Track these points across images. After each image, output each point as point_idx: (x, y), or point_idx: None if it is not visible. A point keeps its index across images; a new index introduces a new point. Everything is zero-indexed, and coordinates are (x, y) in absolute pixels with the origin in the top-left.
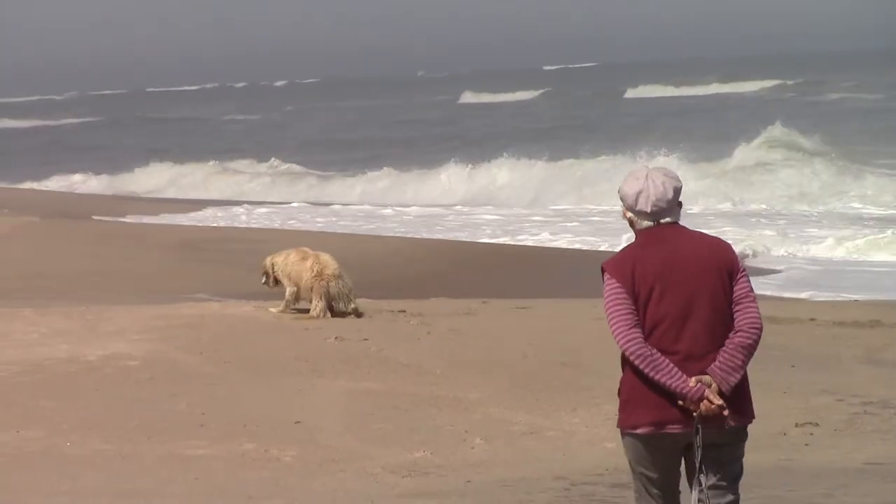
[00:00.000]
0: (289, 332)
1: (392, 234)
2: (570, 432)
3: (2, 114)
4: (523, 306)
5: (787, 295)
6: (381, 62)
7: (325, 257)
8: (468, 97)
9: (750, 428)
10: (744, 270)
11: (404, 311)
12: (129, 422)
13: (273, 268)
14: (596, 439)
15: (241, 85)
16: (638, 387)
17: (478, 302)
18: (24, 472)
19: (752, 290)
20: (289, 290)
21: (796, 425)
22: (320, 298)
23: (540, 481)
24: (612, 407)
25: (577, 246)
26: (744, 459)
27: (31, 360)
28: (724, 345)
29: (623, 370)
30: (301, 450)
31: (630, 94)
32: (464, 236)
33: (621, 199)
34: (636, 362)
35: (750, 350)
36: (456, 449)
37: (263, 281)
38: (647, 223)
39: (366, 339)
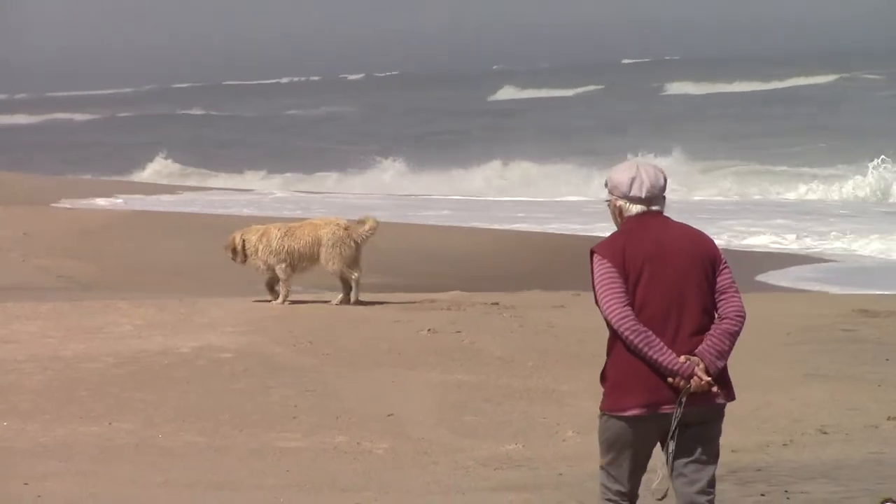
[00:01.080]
0: (381, 324)
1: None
2: None
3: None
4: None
5: (880, 292)
6: (457, 57)
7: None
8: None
9: (842, 419)
10: (725, 262)
11: (497, 304)
12: (221, 414)
13: (244, 245)
14: None
15: (316, 78)
16: (629, 369)
17: (570, 294)
18: (116, 464)
19: (734, 280)
20: (280, 268)
21: (889, 418)
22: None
23: None
24: None
25: None
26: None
27: (124, 353)
28: (707, 331)
29: (609, 354)
30: (393, 442)
31: None
32: (555, 228)
33: (612, 188)
34: (630, 337)
35: (735, 336)
36: (548, 441)
37: (232, 257)
38: (638, 209)
39: (458, 332)
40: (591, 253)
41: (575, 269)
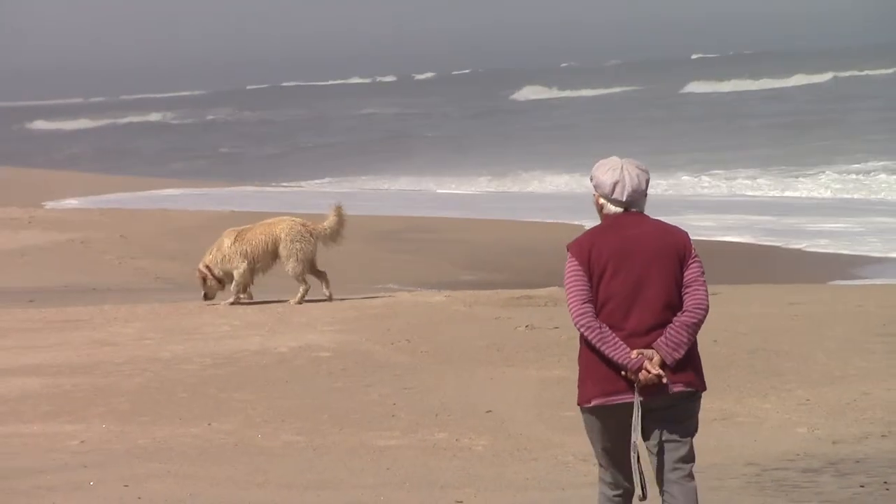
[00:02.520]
0: (479, 321)
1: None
2: (761, 418)
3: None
4: (714, 292)
5: None
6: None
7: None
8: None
9: None
10: (696, 256)
11: None
12: (320, 413)
13: (210, 270)
14: (787, 425)
15: (389, 79)
16: (590, 363)
17: None
18: (215, 464)
19: (702, 274)
20: (238, 270)
21: None
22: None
23: (731, 467)
24: (804, 392)
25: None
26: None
27: (222, 353)
28: (669, 324)
29: (580, 348)
30: (492, 439)
31: None
32: None
33: (595, 186)
34: (585, 333)
35: (694, 328)
36: None
37: (204, 294)
38: (616, 209)
39: (556, 328)
40: (567, 249)
41: None
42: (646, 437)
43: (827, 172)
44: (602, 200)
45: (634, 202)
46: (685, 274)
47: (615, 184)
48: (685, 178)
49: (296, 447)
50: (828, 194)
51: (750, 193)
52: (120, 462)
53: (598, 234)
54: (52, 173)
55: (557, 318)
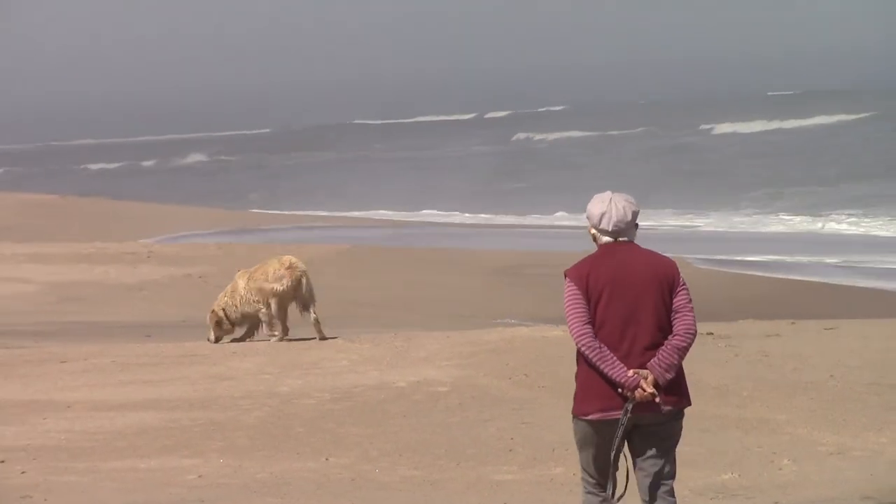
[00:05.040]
0: None
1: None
2: (877, 452)
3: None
4: (831, 327)
5: None
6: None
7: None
8: None
9: None
10: (683, 285)
11: (712, 334)
12: (437, 448)
13: (225, 312)
14: None
15: (504, 114)
16: (589, 380)
17: (786, 323)
18: (333, 498)
19: (689, 301)
20: (264, 311)
21: None
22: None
23: (848, 501)
24: None
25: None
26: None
27: (340, 388)
28: (660, 346)
29: (577, 365)
30: None
31: None
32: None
33: (588, 217)
34: (585, 352)
35: (683, 351)
36: (763, 470)
37: (215, 337)
38: (607, 239)
39: None
40: (565, 275)
41: (791, 297)
42: (634, 453)
43: None
44: (593, 231)
45: (621, 232)
46: (674, 301)
47: (602, 215)
48: None
49: (413, 482)
50: None
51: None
52: (237, 497)
53: (594, 261)
54: (169, 208)
55: None
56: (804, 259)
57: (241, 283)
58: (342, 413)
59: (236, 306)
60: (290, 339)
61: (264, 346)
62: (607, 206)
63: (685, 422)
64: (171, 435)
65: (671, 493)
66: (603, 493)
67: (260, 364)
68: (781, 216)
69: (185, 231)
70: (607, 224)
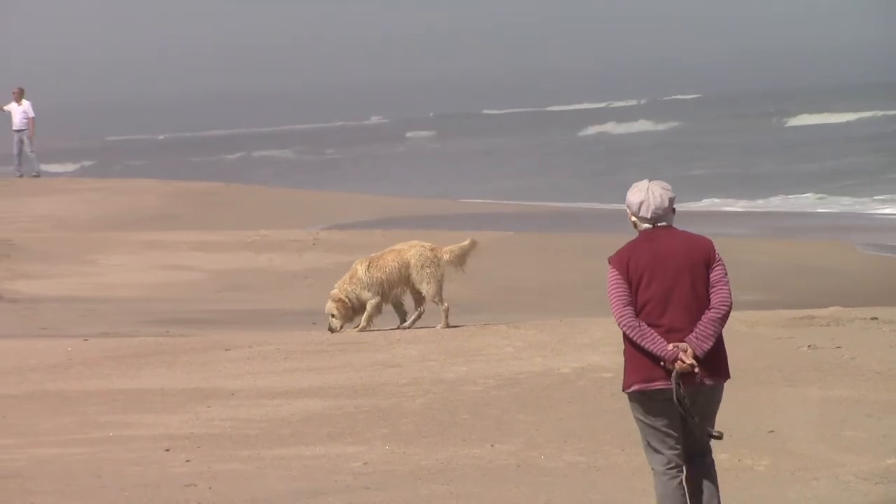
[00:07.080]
0: (761, 341)
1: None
2: None
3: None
4: None
5: None
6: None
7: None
8: None
9: None
10: (719, 260)
11: (876, 319)
12: (603, 434)
13: (347, 297)
14: None
15: (636, 102)
16: (632, 355)
17: None
18: (497, 485)
19: (725, 275)
20: (372, 302)
21: None
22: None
23: None
24: None
25: None
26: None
27: (505, 374)
28: (699, 321)
29: (624, 344)
30: (774, 458)
31: None
32: None
33: (627, 206)
34: (626, 332)
35: (720, 322)
36: None
37: (340, 326)
38: (646, 226)
39: (838, 347)
40: (609, 262)
41: None
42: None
43: None
44: (634, 218)
45: (660, 218)
46: (711, 276)
47: (641, 203)
48: None
49: (578, 468)
50: None
51: None
52: (403, 484)
53: (635, 247)
54: (335, 195)
55: (840, 339)
56: None
57: (360, 269)
58: (507, 399)
59: (355, 292)
60: (454, 326)
61: (428, 332)
62: (645, 195)
63: (851, 407)
64: (336, 422)
65: (711, 456)
66: (669, 465)
67: (424, 351)
68: None
69: (350, 219)
70: (646, 212)
